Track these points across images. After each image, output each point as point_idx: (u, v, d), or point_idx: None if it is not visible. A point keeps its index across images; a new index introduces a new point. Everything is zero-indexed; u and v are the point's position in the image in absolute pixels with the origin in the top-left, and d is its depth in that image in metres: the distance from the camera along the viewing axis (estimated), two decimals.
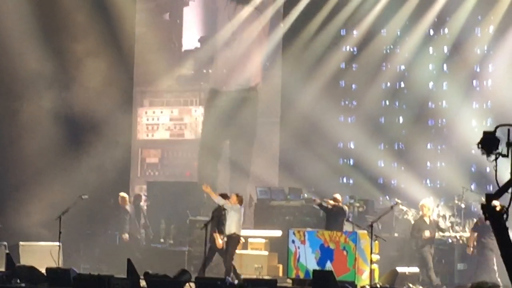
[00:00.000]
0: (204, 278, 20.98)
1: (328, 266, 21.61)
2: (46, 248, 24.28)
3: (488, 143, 10.46)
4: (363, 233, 21.92)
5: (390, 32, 28.41)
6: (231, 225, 22.71)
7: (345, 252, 22.00)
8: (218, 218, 22.61)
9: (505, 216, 10.60)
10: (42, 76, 29.12)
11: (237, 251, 25.17)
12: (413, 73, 28.18)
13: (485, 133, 10.50)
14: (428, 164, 27.90)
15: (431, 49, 28.01)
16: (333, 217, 22.90)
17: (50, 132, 28.92)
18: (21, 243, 25.06)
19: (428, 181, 27.55)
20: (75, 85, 29.25)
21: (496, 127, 10.38)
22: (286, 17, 29.68)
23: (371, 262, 21.45)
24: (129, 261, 21.24)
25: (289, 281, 21.75)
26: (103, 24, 29.76)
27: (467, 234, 24.08)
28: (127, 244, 26.49)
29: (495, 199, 10.43)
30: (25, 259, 23.72)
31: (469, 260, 23.91)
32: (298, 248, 22.59)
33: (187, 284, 20.38)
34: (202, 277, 21.03)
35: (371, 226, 21.73)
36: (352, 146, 28.98)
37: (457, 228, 24.43)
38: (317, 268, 21.40)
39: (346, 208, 23.12)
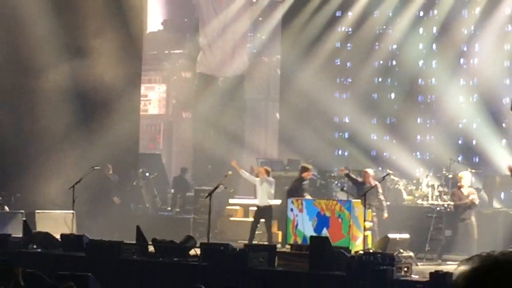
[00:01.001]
0: (209, 243, 21.13)
1: (324, 232, 21.64)
2: (61, 216, 24.51)
3: None
4: (357, 201, 22.24)
5: (382, 13, 28.30)
6: (264, 197, 23.26)
7: (340, 220, 22.17)
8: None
9: None
10: (57, 54, 28.98)
11: (239, 219, 25.76)
12: (404, 52, 28.11)
13: None
14: (418, 137, 27.98)
15: (421, 29, 27.94)
16: (359, 188, 23.00)
17: (65, 108, 28.95)
18: (37, 211, 25.20)
19: (418, 154, 27.62)
20: (86, 62, 29.29)
21: None
22: (284, 3, 29.71)
23: (365, 229, 21.93)
24: (138, 228, 21.70)
25: (288, 246, 21.80)
26: (113, 5, 29.91)
27: (454, 202, 24.42)
28: (137, 212, 27.00)
29: None
30: (41, 226, 23.74)
31: (456, 227, 24.48)
32: (296, 216, 22.77)
33: (192, 249, 21.01)
34: (206, 243, 21.21)
35: (364, 195, 22.25)
36: (347, 120, 29.06)
37: (445, 197, 24.32)
38: (314, 234, 21.41)
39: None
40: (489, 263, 3.44)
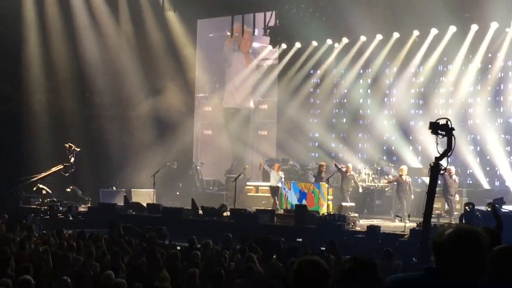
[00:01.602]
0: (235, 209, 21.39)
1: (304, 202, 21.98)
2: (146, 193, 24.66)
3: (432, 127, 11.06)
4: (323, 184, 22.52)
5: (338, 71, 28.10)
6: (275, 181, 23.63)
7: (313, 195, 22.57)
8: None
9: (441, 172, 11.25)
10: (143, 93, 29.46)
11: (253, 194, 25.89)
12: (351, 94, 27.85)
13: (431, 123, 11.09)
14: (359, 145, 27.77)
15: (361, 81, 27.68)
16: (343, 175, 22.91)
17: (149, 127, 29.45)
18: (132, 189, 25.43)
19: (359, 155, 27.51)
20: (159, 98, 29.23)
21: (437, 120, 10.99)
22: (281, 63, 29.69)
23: (328, 200, 22.24)
24: (192, 200, 21.99)
25: (282, 211, 21.69)
26: (176, 60, 29.95)
27: (381, 184, 24.39)
28: (191, 190, 27.14)
29: (439, 161, 11.09)
30: (135, 199, 23.94)
31: (382, 199, 24.51)
32: (287, 192, 23.28)
33: (225, 212, 21.21)
34: (233, 208, 21.49)
35: (328, 180, 22.46)
36: (317, 135, 28.78)
37: (375, 181, 24.49)
38: (297, 203, 21.86)
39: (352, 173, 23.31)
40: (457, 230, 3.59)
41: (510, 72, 24.36)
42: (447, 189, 20.76)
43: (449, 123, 10.85)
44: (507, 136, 24.19)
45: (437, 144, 10.99)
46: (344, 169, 22.83)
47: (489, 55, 24.48)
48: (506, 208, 18.67)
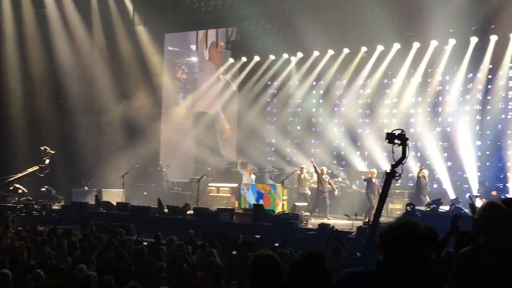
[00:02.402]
0: (197, 207, 21.18)
1: (261, 202, 21.94)
2: (116, 193, 24.32)
3: (389, 137, 11.10)
4: (279, 185, 22.47)
5: (293, 83, 28.24)
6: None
7: (269, 195, 22.53)
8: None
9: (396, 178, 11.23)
10: (114, 99, 29.12)
11: (215, 194, 25.72)
12: (305, 104, 27.96)
13: (387, 133, 11.13)
14: (312, 150, 27.70)
15: (314, 92, 27.76)
16: (319, 177, 22.21)
17: (118, 131, 29.10)
18: (103, 189, 24.98)
19: (312, 159, 27.48)
20: (129, 105, 28.98)
21: (392, 131, 11.05)
22: (241, 74, 29.62)
23: (283, 200, 22.23)
24: (158, 199, 21.81)
25: (241, 210, 21.54)
26: (143, 69, 29.67)
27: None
28: (158, 190, 26.90)
29: (395, 168, 11.09)
30: (105, 198, 23.58)
31: (333, 199, 24.48)
32: (246, 192, 23.24)
33: (188, 210, 21.08)
34: (196, 207, 21.30)
35: (283, 182, 22.46)
36: (273, 140, 28.72)
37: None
38: (255, 203, 21.78)
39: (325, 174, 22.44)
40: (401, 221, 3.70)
41: (447, 85, 24.67)
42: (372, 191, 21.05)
43: (403, 133, 10.89)
44: (444, 143, 24.51)
45: (393, 152, 10.99)
46: (319, 171, 22.31)
47: (429, 70, 24.82)
48: (443, 208, 18.98)
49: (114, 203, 22.29)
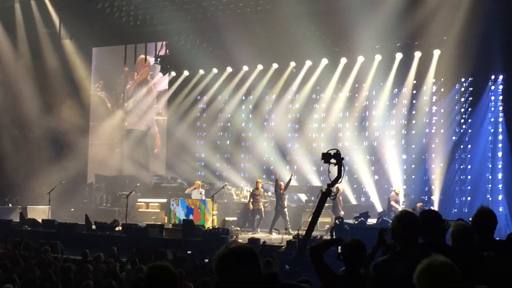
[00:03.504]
0: (126, 223, 20.94)
1: (191, 217, 21.76)
2: (42, 209, 23.73)
3: (325, 157, 11.10)
4: (209, 200, 22.39)
5: (222, 97, 28.12)
6: (197, 197, 23.02)
7: (199, 210, 22.39)
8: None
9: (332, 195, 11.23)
10: (39, 114, 28.63)
11: (144, 210, 25.43)
12: (235, 118, 27.91)
13: (323, 154, 11.14)
14: (242, 164, 27.70)
15: (243, 106, 27.82)
16: (278, 194, 21.49)
17: (45, 145, 28.53)
18: (28, 206, 24.52)
19: (242, 173, 27.47)
20: (55, 119, 28.51)
21: (328, 151, 11.05)
22: (170, 89, 29.48)
23: (212, 215, 22.14)
24: (86, 215, 21.39)
25: (170, 225, 21.35)
26: (70, 82, 29.25)
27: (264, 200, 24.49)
28: (86, 207, 26.38)
29: (332, 187, 11.10)
30: (31, 215, 23.14)
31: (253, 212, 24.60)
32: (175, 208, 23.03)
33: (117, 227, 20.75)
34: (125, 223, 21.03)
35: (212, 196, 22.36)
36: (203, 155, 28.55)
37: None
38: (185, 218, 21.65)
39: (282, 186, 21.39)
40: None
41: (374, 100, 25.10)
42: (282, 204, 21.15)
43: (339, 153, 10.97)
44: (371, 157, 24.92)
45: (329, 172, 11.06)
46: (279, 184, 21.67)
47: (356, 85, 25.22)
48: (371, 221, 19.27)
49: (40, 220, 21.76)
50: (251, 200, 22.13)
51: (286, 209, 21.24)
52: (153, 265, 4.14)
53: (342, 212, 20.52)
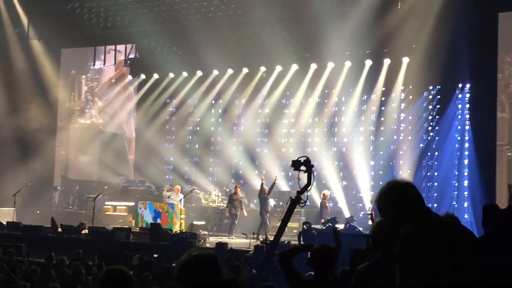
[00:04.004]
0: (93, 227, 20.86)
1: (158, 221, 21.75)
2: (7, 211, 23.41)
3: (295, 165, 11.11)
4: (177, 204, 22.39)
5: (192, 101, 28.00)
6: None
7: (167, 214, 22.36)
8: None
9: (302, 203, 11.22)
10: (5, 115, 28.33)
11: (111, 213, 25.30)
12: (204, 122, 27.87)
13: (293, 161, 11.15)
14: (211, 169, 27.64)
15: (213, 110, 27.76)
16: (262, 197, 21.76)
17: (12, 146, 28.16)
18: None
19: (210, 178, 27.46)
20: (22, 119, 28.16)
21: (298, 158, 11.04)
22: (140, 92, 29.32)
23: (180, 219, 22.12)
24: (52, 218, 21.26)
25: (138, 229, 21.45)
26: (37, 82, 28.97)
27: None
28: (52, 209, 26.16)
29: (301, 194, 11.09)
30: None
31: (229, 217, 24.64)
32: (143, 211, 22.96)
33: (84, 230, 20.64)
34: (92, 226, 20.95)
35: (181, 200, 22.38)
36: (172, 159, 28.47)
37: (224, 201, 24.45)
38: (152, 222, 21.58)
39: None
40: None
41: (343, 106, 25.26)
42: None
43: (309, 160, 11.00)
44: (340, 163, 25.05)
45: (299, 179, 11.06)
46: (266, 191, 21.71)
47: (326, 91, 25.34)
48: (338, 226, 19.35)
49: (4, 223, 21.53)
50: (229, 204, 22.12)
51: (268, 214, 21.45)
52: (109, 268, 4.13)
53: (328, 217, 20.61)
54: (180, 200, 22.86)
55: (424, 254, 3.56)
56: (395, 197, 4.01)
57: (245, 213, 22.31)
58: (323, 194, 21.35)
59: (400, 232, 3.79)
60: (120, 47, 29.17)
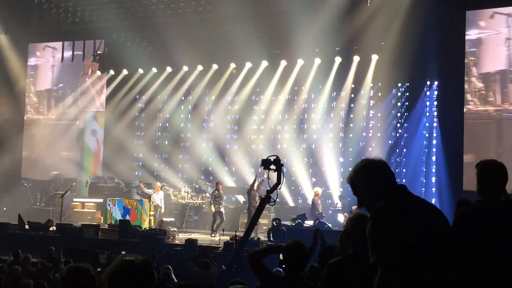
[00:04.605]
0: (61, 223, 20.74)
1: (127, 217, 21.67)
2: None
3: (264, 163, 11.11)
4: (146, 200, 22.36)
5: (161, 97, 27.89)
6: (157, 200, 22.75)
7: (136, 210, 22.34)
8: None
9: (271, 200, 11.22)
10: None
11: (79, 210, 25.15)
12: (174, 119, 27.69)
13: (263, 160, 11.14)
14: (180, 165, 27.50)
15: (182, 107, 27.66)
16: (250, 194, 21.41)
17: None
18: None
19: (180, 174, 27.36)
20: None
21: (268, 157, 11.02)
22: (109, 87, 29.12)
23: (150, 215, 22.08)
24: (19, 215, 21.09)
25: (106, 225, 21.44)
26: (6, 83, 28.62)
27: (199, 201, 24.67)
28: (19, 206, 25.83)
29: (271, 193, 11.10)
30: None
31: (200, 214, 24.65)
32: (112, 208, 22.86)
33: (51, 227, 20.50)
34: (60, 223, 20.83)
35: (150, 197, 22.34)
36: (141, 155, 28.25)
37: (194, 198, 24.66)
38: (121, 218, 21.52)
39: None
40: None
41: (312, 103, 25.36)
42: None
43: (279, 159, 11.02)
44: (309, 160, 25.17)
45: (269, 179, 11.11)
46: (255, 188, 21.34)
47: (295, 88, 25.44)
48: (308, 223, 19.48)
49: None
50: (213, 202, 22.05)
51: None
52: (72, 266, 4.13)
53: (318, 214, 20.66)
54: (161, 200, 22.83)
55: (394, 233, 3.56)
56: (368, 174, 3.99)
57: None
58: (315, 192, 21.51)
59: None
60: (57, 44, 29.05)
